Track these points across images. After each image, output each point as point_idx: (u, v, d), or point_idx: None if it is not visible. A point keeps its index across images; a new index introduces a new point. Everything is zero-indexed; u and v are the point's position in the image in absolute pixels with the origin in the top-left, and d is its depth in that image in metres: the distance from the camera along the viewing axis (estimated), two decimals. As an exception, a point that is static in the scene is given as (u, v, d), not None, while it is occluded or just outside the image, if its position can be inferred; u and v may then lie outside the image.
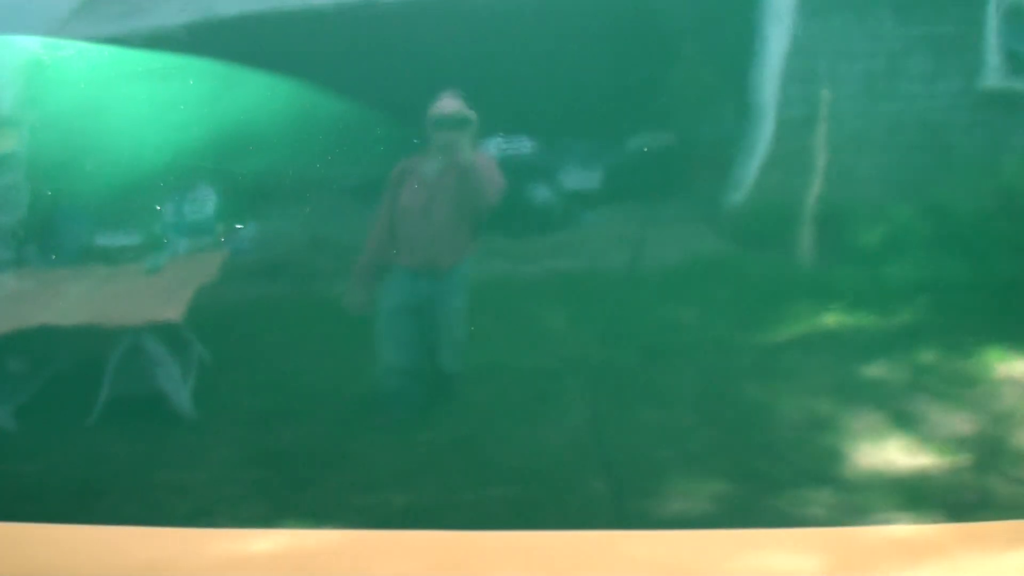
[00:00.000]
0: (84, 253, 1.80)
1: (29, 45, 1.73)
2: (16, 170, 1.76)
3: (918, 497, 1.75)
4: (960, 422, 1.75)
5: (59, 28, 1.71)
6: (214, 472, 1.86)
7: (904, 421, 1.75)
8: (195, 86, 1.69)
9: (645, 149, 1.70)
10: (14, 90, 1.76)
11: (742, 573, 1.78)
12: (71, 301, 1.80)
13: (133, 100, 1.72)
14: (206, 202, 1.73)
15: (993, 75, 1.69)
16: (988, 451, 1.75)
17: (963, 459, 1.75)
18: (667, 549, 1.78)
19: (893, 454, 1.74)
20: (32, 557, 1.86)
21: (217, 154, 1.71)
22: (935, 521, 1.75)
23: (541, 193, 1.72)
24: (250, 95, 1.70)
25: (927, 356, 1.74)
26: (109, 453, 1.86)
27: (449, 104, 1.68)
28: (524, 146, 1.71)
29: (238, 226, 1.73)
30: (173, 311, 1.78)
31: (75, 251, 1.80)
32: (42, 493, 1.88)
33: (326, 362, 1.82)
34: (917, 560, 1.74)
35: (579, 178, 1.72)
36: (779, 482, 1.79)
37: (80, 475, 1.87)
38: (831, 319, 1.72)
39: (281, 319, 1.81)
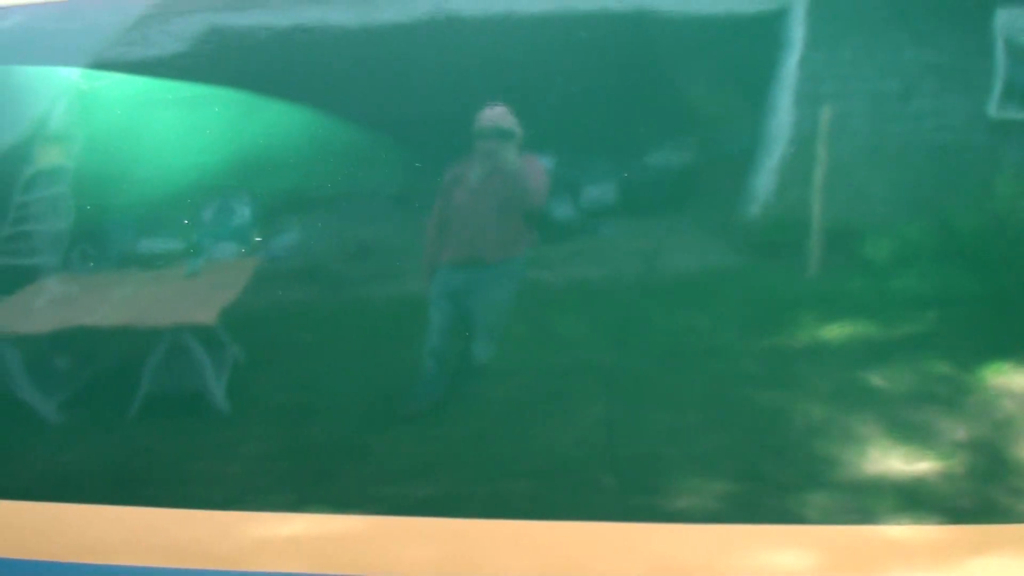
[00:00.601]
0: (116, 257, 1.95)
1: (70, 75, 1.88)
2: (61, 183, 1.90)
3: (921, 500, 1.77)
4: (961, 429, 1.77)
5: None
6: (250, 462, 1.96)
7: (906, 428, 1.77)
8: (219, 112, 1.81)
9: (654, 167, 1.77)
10: (58, 113, 1.91)
11: (751, 567, 1.81)
12: (109, 301, 1.94)
13: (161, 124, 1.85)
14: (228, 215, 1.85)
15: (998, 102, 1.70)
16: (987, 457, 1.76)
17: (966, 464, 1.76)
18: (679, 542, 1.82)
19: (895, 459, 1.76)
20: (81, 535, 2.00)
21: (237, 172, 1.82)
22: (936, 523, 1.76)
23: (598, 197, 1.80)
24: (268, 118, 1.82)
25: (930, 367, 1.76)
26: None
27: (492, 115, 1.77)
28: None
29: (257, 238, 1.84)
30: (204, 313, 1.90)
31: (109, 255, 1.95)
32: (88, 476, 2.01)
33: (353, 360, 1.91)
34: (920, 561, 1.76)
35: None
36: (785, 482, 1.82)
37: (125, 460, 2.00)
38: (841, 329, 1.75)
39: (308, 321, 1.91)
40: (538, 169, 1.79)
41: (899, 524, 1.75)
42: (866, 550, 1.76)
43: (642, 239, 1.79)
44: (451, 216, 1.82)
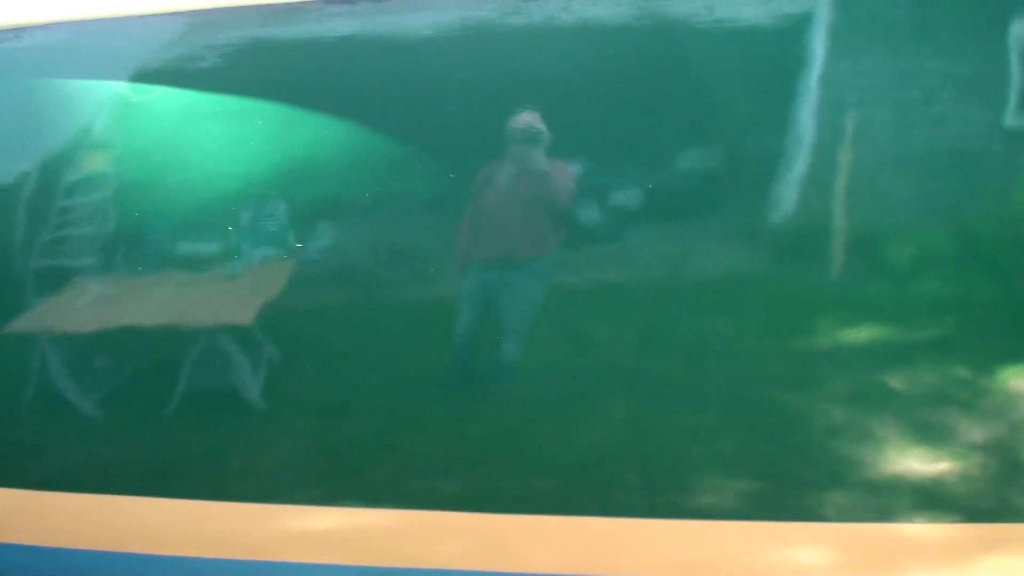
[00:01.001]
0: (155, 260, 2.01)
1: (121, 89, 1.95)
2: (108, 188, 1.97)
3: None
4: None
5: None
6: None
7: (923, 428, 1.79)
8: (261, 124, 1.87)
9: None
10: (109, 123, 1.98)
11: (770, 563, 1.83)
12: (151, 301, 2.00)
13: (205, 135, 1.92)
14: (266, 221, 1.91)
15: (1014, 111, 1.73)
16: (1003, 458, 1.78)
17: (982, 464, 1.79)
18: (697, 538, 1.85)
19: (912, 459, 1.78)
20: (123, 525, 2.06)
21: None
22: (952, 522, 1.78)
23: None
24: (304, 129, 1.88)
25: (948, 370, 1.78)
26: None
27: (523, 119, 1.83)
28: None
29: (298, 245, 1.90)
30: (242, 314, 1.95)
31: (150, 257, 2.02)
32: (128, 470, 2.06)
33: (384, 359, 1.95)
34: (936, 558, 1.78)
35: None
36: (806, 480, 1.84)
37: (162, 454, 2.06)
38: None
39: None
40: (565, 173, 1.84)
41: (915, 522, 1.77)
42: (883, 548, 1.78)
43: (669, 242, 1.83)
44: (482, 217, 1.87)
